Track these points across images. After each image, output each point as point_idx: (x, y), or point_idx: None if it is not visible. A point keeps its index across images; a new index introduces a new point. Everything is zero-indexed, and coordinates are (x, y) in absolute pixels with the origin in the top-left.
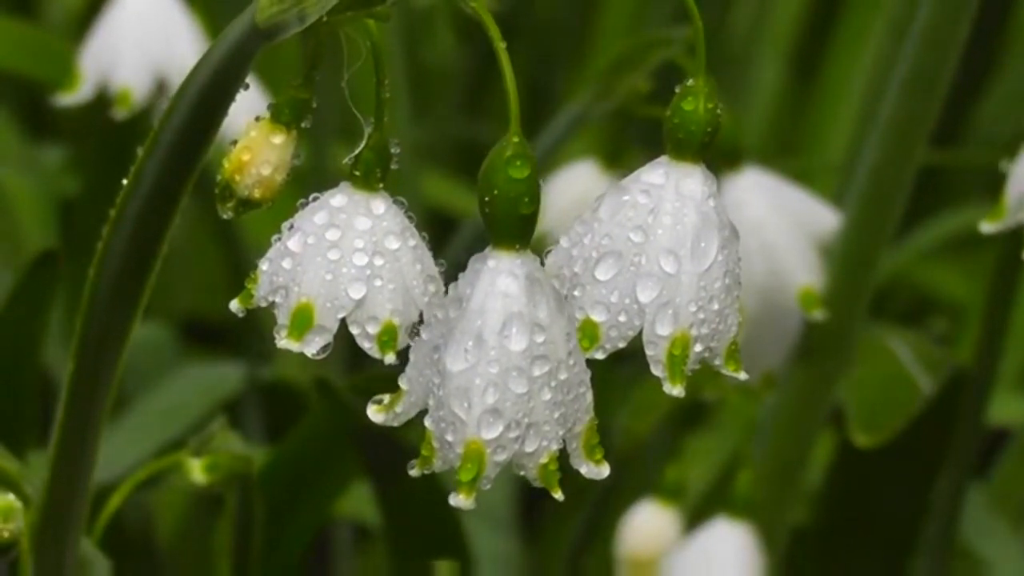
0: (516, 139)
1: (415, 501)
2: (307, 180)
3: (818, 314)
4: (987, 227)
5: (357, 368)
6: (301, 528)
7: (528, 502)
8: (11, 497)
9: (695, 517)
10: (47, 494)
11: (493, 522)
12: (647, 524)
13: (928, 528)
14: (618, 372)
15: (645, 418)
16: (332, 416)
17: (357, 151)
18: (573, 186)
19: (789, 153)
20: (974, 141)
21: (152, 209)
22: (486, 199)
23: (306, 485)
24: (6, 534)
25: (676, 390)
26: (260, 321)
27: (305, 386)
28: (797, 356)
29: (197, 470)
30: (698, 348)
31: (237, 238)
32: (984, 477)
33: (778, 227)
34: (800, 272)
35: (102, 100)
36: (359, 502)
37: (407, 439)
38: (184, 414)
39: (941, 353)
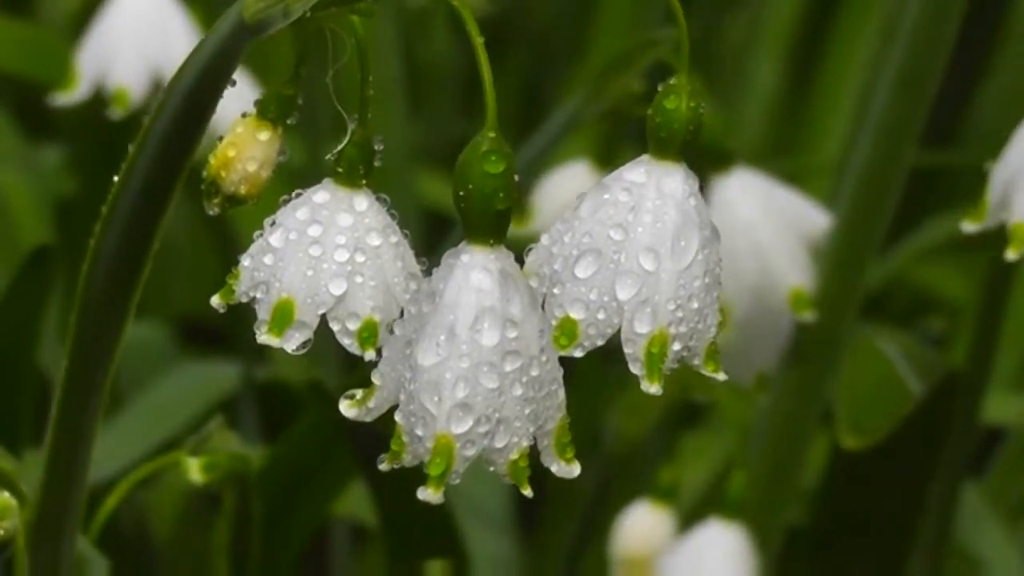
0: (492, 134)
1: (411, 502)
2: (301, 178)
3: (808, 315)
4: (968, 227)
5: (353, 367)
6: (299, 528)
7: (525, 503)
8: (7, 495)
9: (690, 518)
10: (43, 492)
11: (489, 522)
12: (642, 524)
13: (923, 528)
14: (610, 373)
15: (639, 419)
16: (328, 417)
17: (340, 147)
18: (566, 186)
19: (785, 153)
20: (972, 141)
21: (143, 206)
22: (461, 194)
23: (304, 485)
24: (2, 532)
25: (654, 388)
26: (255, 320)
27: (301, 385)
28: (789, 357)
29: (195, 469)
30: (676, 346)
31: (232, 237)
32: (979, 476)
33: (769, 228)
34: (791, 273)
35: (99, 100)
36: (357, 502)
37: None
38: (179, 413)
39: (932, 355)
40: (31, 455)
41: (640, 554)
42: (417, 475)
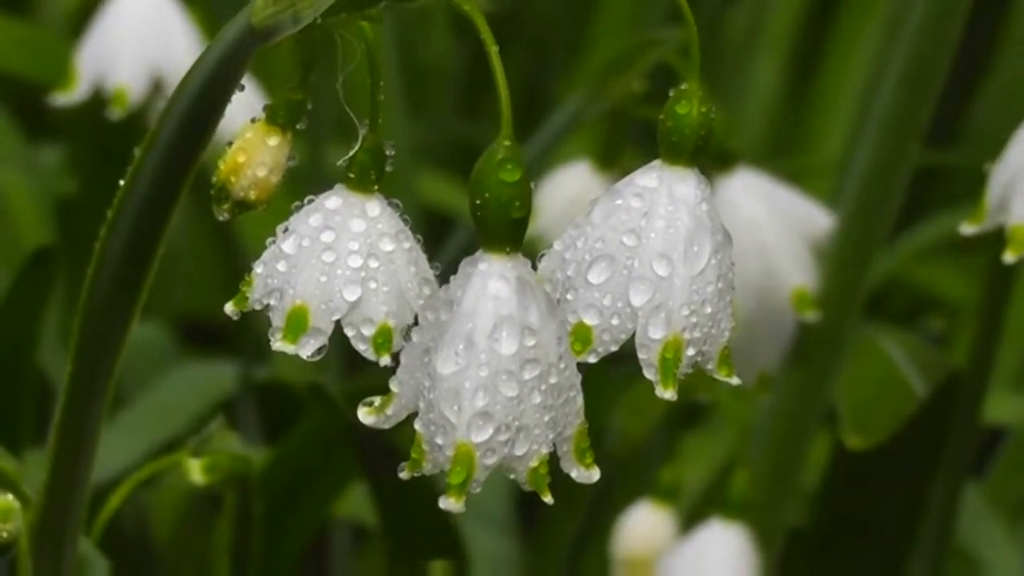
0: (507, 142)
1: (412, 502)
2: (305, 182)
3: (811, 315)
4: (967, 229)
5: (355, 369)
6: (300, 528)
7: (526, 503)
8: (10, 497)
9: (692, 518)
10: (45, 494)
11: (490, 523)
12: (643, 525)
13: (924, 528)
14: (613, 373)
15: (641, 420)
16: (329, 418)
17: (352, 153)
18: (568, 187)
19: (786, 153)
20: (972, 141)
21: (149, 210)
22: (477, 203)
23: (305, 486)
24: (5, 534)
25: (668, 394)
26: (257, 321)
27: (301, 386)
28: (792, 357)
29: (196, 470)
30: (690, 352)
31: (235, 239)
32: (980, 477)
33: (771, 228)
34: (794, 273)
35: (100, 100)
36: (357, 502)
37: (402, 441)
38: (181, 414)
39: (935, 354)
40: (33, 456)
41: (641, 554)
42: (418, 476)
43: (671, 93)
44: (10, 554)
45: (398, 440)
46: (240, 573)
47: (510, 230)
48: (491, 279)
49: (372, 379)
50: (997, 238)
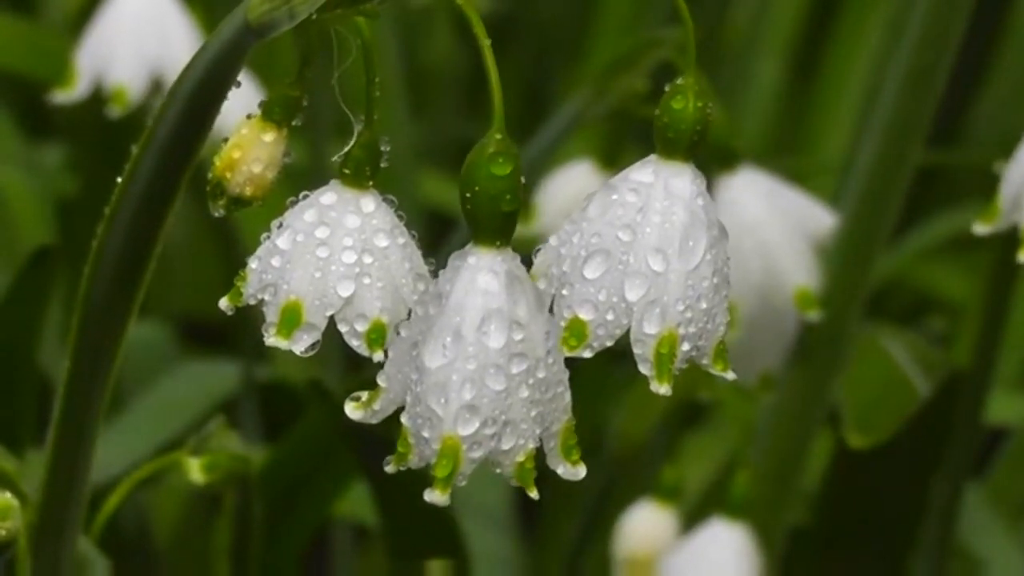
0: (499, 136)
1: (412, 501)
2: (303, 178)
3: (814, 314)
4: (980, 228)
5: (356, 367)
6: (300, 528)
7: (526, 502)
8: (8, 496)
9: (694, 518)
10: (44, 493)
11: (491, 522)
12: (644, 524)
13: (926, 528)
14: (614, 372)
15: (642, 419)
16: (329, 417)
17: (347, 149)
18: (570, 186)
19: (788, 152)
20: (973, 140)
21: (146, 207)
22: (467, 196)
23: (305, 485)
24: (3, 533)
25: (663, 389)
26: (257, 320)
27: (303, 385)
28: (794, 356)
29: (196, 470)
30: (686, 347)
31: (235, 237)
32: (982, 477)
33: (774, 227)
34: (796, 272)
35: (99, 99)
36: (357, 502)
37: None
38: (181, 413)
39: (937, 354)
40: (32, 455)
41: (643, 554)
42: (418, 475)
43: (667, 88)
44: (9, 553)
45: (396, 439)
46: (240, 573)
47: (500, 224)
48: (480, 273)
49: (373, 376)
50: (997, 238)
